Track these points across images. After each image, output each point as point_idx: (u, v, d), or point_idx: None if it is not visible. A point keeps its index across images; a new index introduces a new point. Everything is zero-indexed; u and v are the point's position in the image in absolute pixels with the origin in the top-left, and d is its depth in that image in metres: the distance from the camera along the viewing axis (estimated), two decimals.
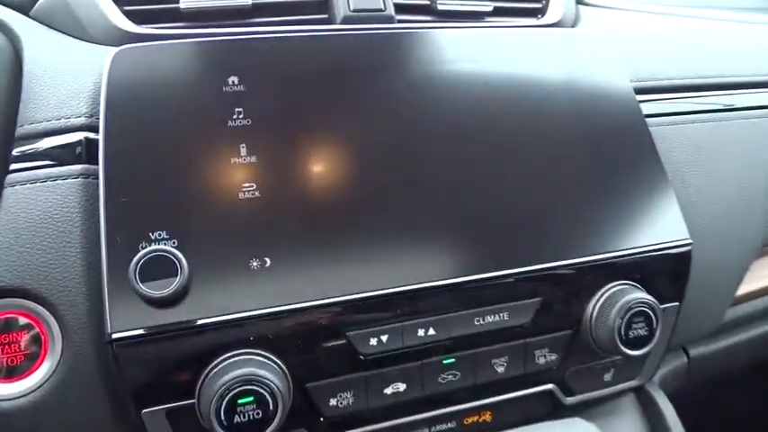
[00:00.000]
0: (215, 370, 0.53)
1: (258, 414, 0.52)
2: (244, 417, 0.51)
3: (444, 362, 0.62)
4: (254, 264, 0.56)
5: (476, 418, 0.67)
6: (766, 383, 1.18)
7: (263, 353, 0.55)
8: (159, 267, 0.51)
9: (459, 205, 0.63)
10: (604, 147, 0.70)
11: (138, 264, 0.51)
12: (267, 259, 0.56)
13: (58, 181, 0.57)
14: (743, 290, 0.86)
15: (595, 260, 0.65)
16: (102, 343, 0.52)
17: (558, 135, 0.69)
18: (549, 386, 0.68)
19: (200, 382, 0.53)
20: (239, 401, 0.51)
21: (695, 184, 0.78)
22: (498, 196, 0.64)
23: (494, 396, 0.66)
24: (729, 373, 0.97)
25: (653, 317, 0.64)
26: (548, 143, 0.68)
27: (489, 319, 0.62)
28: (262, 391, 0.52)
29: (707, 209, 0.78)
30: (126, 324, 0.52)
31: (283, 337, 0.55)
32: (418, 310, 0.59)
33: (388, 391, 0.60)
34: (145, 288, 0.50)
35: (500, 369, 0.64)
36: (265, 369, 0.53)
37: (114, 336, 0.51)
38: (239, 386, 0.51)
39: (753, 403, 1.26)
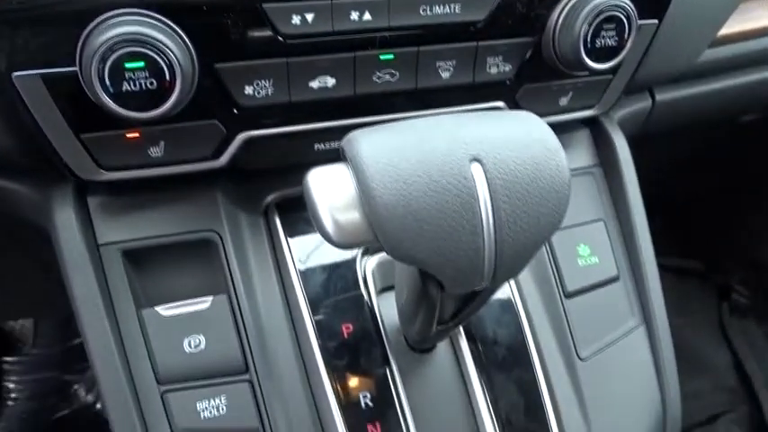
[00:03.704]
0: (97, 28, 0.44)
1: (152, 84, 0.44)
2: (134, 85, 0.44)
3: (381, 57, 0.54)
4: None
5: None
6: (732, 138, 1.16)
7: (157, 15, 0.45)
8: None
9: None
10: None
11: None
12: None
13: None
14: (725, 30, 0.77)
15: None
16: None
17: None
18: (499, 103, 0.62)
19: (80, 43, 0.44)
20: (126, 65, 0.43)
21: None
22: None
23: (436, 108, 0.59)
24: (691, 124, 0.93)
25: (626, 25, 0.56)
26: None
27: (438, 10, 0.53)
28: (154, 55, 0.43)
29: None
30: None
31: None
32: None
33: (315, 84, 0.53)
34: None
35: (445, 75, 0.57)
36: (159, 32, 0.44)
37: None
38: (125, 46, 0.42)
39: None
